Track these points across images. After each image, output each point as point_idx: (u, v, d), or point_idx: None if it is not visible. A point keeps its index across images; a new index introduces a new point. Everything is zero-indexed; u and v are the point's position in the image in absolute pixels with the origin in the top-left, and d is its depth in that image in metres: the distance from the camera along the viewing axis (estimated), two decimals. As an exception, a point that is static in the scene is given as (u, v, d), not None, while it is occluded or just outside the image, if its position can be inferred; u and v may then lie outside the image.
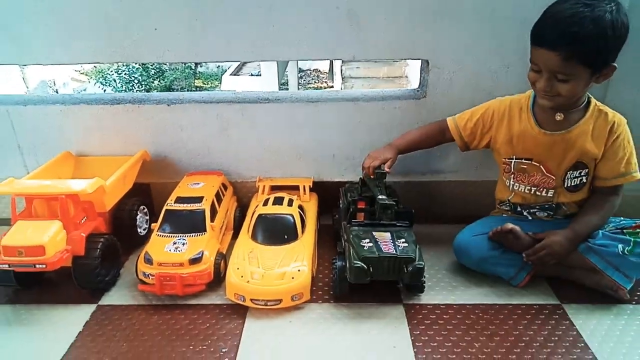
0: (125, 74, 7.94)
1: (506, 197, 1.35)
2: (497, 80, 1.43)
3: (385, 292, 1.26)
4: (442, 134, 1.38)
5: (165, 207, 1.36)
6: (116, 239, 1.33)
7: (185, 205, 1.36)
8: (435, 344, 1.11)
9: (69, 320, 1.19)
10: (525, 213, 1.33)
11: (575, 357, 1.06)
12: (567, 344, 1.09)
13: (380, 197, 1.23)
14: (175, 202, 1.38)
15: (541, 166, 1.24)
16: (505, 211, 1.38)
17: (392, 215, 1.22)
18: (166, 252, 1.25)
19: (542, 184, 1.26)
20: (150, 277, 1.23)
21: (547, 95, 1.13)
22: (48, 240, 1.15)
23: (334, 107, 1.51)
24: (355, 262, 1.13)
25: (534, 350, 1.08)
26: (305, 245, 1.31)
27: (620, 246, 1.17)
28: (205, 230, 1.31)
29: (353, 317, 1.19)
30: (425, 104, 1.48)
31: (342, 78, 6.62)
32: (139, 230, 1.47)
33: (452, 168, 1.57)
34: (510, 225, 1.22)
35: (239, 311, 1.21)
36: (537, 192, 1.28)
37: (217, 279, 1.28)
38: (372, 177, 1.29)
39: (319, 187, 1.60)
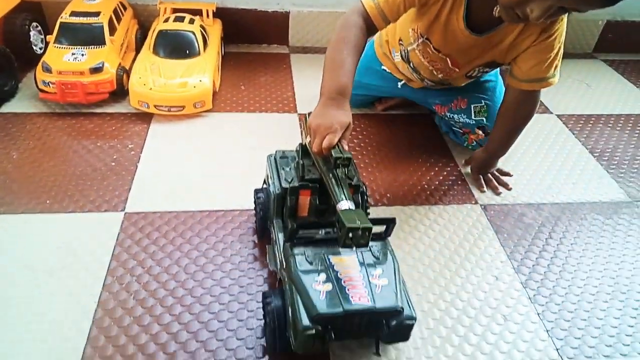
0: None
1: (407, 46, 1.13)
2: None
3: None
4: (365, 37, 0.95)
5: (59, 20, 1.33)
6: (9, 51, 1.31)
7: (81, 18, 1.34)
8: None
9: (-31, 126, 1.21)
10: (415, 75, 1.20)
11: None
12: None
13: (342, 206, 0.71)
14: (70, 16, 1.34)
15: (448, 59, 1.07)
16: (397, 63, 1.23)
17: (366, 241, 0.68)
18: (65, 61, 1.26)
19: (442, 70, 1.11)
20: (50, 85, 1.25)
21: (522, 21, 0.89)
22: None
23: None
24: (306, 325, 0.67)
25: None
26: (207, 61, 1.37)
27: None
28: (104, 44, 1.32)
29: (256, 120, 1.32)
30: None
31: None
32: (34, 48, 1.44)
33: None
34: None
35: (143, 118, 1.29)
36: (434, 72, 1.13)
37: (121, 92, 1.33)
38: (327, 161, 0.79)
39: (223, 14, 1.62)
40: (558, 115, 1.49)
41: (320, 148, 0.77)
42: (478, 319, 0.88)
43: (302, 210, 0.83)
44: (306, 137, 0.84)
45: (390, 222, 0.75)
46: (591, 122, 1.48)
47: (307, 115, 0.85)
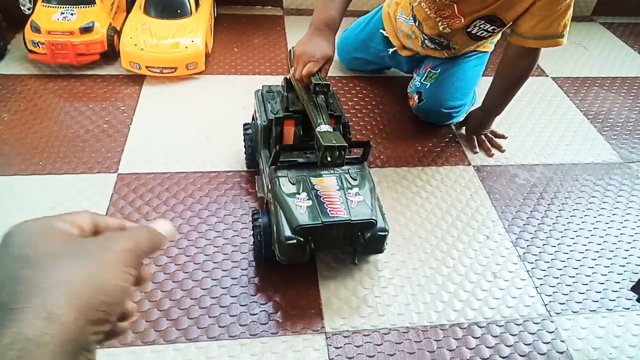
0: None
1: (413, 1, 1.11)
2: None
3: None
4: None
5: (46, -21, 1.30)
6: (-4, 11, 1.28)
7: (69, -24, 1.30)
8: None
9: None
10: (419, 32, 1.15)
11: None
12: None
13: (321, 129, 0.74)
14: (57, -26, 1.31)
15: (455, 5, 1.02)
16: (398, 23, 1.21)
17: (342, 160, 0.73)
18: (54, 20, 1.23)
19: (448, 20, 1.06)
20: (40, 45, 1.23)
21: None
22: None
23: None
24: (288, 235, 0.73)
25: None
26: (199, 21, 1.34)
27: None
28: (94, 3, 1.29)
29: (250, 83, 1.31)
30: None
31: None
32: (22, 8, 1.40)
33: None
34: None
35: (135, 79, 1.28)
36: (439, 24, 1.08)
37: (112, 53, 1.31)
38: (308, 89, 0.83)
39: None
40: (553, 78, 1.48)
41: (301, 76, 0.82)
42: (468, 276, 0.89)
43: (287, 140, 0.88)
44: (291, 69, 0.87)
45: (366, 145, 0.82)
46: (587, 84, 1.47)
47: (292, 49, 0.88)
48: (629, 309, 0.87)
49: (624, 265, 0.94)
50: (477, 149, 1.17)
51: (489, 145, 1.18)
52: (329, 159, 0.72)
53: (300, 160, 0.82)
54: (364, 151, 0.82)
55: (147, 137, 1.11)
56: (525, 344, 0.80)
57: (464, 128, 1.22)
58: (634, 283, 0.87)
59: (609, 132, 1.28)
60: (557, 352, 0.80)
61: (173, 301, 0.81)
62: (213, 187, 1.01)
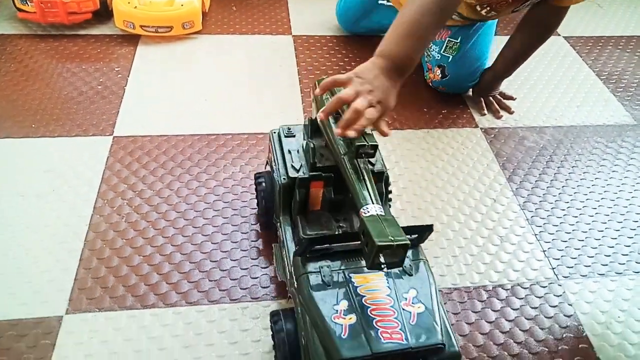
0: None
1: None
2: None
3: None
4: None
5: None
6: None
7: None
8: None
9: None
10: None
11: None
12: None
13: (368, 212, 0.55)
14: None
15: None
16: None
17: (402, 261, 0.53)
18: (43, -23, 1.18)
19: (494, 5, 0.98)
20: (29, 3, 1.17)
21: None
22: None
23: None
24: None
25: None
26: (195, -21, 1.28)
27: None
28: (84, -42, 1.23)
29: (249, 43, 1.26)
30: None
31: None
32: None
33: None
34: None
35: (130, 40, 1.23)
36: (482, 10, 0.99)
37: (105, 11, 1.25)
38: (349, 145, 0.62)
39: None
40: (565, 37, 1.41)
41: (347, 125, 0.58)
42: (474, 239, 0.87)
43: (314, 203, 0.68)
44: (317, 111, 0.67)
45: (426, 230, 0.59)
46: (600, 44, 1.41)
47: (317, 83, 0.66)
48: (639, 272, 0.85)
49: (634, 229, 0.92)
50: (485, 111, 1.13)
51: (498, 107, 1.13)
52: (382, 260, 0.52)
53: (336, 246, 0.60)
54: (420, 235, 0.60)
55: (143, 99, 1.07)
56: (532, 307, 0.79)
57: (471, 90, 1.17)
58: (646, 246, 0.85)
59: (622, 93, 1.23)
60: (564, 315, 0.79)
61: (172, 264, 0.79)
62: (212, 150, 0.97)
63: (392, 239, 0.50)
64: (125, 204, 0.87)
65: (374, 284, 0.58)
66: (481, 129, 1.09)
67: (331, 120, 0.64)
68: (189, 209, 0.87)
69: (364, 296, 0.57)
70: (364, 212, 0.55)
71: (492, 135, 1.08)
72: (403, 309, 0.56)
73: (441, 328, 0.55)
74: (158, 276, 0.77)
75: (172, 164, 0.94)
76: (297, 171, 0.68)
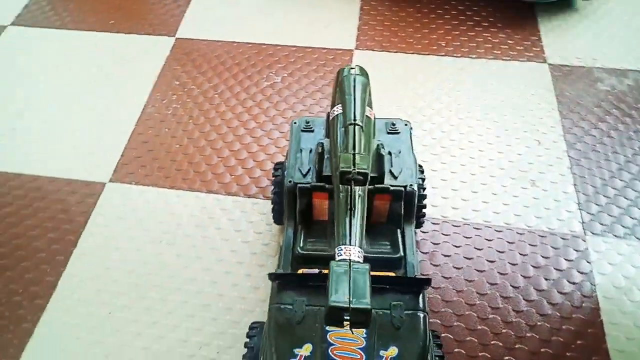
0: None
1: None
2: None
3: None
4: None
5: None
6: None
7: None
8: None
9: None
10: None
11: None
12: None
13: (338, 258, 0.48)
14: None
15: None
16: None
17: (365, 323, 0.44)
18: None
19: None
20: None
21: None
22: None
23: None
24: None
25: None
26: None
27: None
28: None
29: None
30: None
31: None
32: None
33: None
34: None
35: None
36: None
37: None
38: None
39: None
40: None
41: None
42: (502, 179, 0.83)
43: (319, 214, 0.61)
44: (333, 105, 0.62)
45: (422, 284, 0.52)
46: None
47: (341, 71, 0.62)
48: (686, 244, 0.75)
49: (701, 197, 0.79)
50: None
51: None
52: (336, 321, 0.44)
53: (315, 275, 0.54)
54: (418, 286, 0.53)
55: (212, 3, 1.14)
56: (543, 257, 0.75)
57: None
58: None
59: None
60: (577, 271, 0.73)
61: (202, 156, 0.87)
62: (266, 65, 1.01)
63: (349, 300, 0.42)
64: (175, 99, 0.96)
65: (350, 333, 0.50)
66: (549, 64, 0.99)
67: (338, 123, 0.57)
68: (233, 117, 0.93)
69: (333, 344, 0.50)
70: (337, 254, 0.48)
71: (560, 73, 0.97)
72: None
73: None
74: (188, 164, 0.86)
75: (227, 74, 1.00)
76: (304, 175, 0.61)
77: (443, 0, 1.12)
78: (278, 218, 0.72)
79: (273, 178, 0.70)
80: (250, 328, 0.59)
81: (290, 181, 0.61)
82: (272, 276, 0.54)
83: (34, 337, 0.69)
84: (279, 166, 0.70)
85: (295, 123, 0.69)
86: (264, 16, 1.10)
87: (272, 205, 0.71)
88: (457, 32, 1.06)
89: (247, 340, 0.57)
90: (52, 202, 0.82)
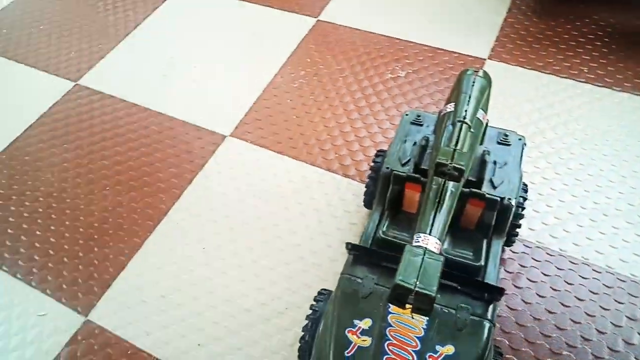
0: None
1: None
2: None
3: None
4: None
5: None
6: None
7: None
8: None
9: None
10: None
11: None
12: None
13: (415, 243, 0.50)
14: None
15: None
16: None
17: (428, 308, 0.45)
18: None
19: None
20: None
21: None
22: None
23: None
24: None
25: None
26: None
27: None
28: None
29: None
30: None
31: None
32: None
33: None
34: None
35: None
36: None
37: None
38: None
39: None
40: None
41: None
42: (626, 216, 0.77)
43: (409, 206, 0.62)
44: (447, 102, 0.64)
45: (494, 292, 0.51)
46: None
47: (464, 71, 0.64)
48: None
49: None
50: None
51: None
52: (399, 301, 0.45)
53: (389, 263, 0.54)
54: (490, 293, 0.52)
55: (358, -5, 1.19)
56: (617, 301, 0.68)
57: None
58: None
59: None
60: (681, 337, 0.66)
61: (318, 130, 0.92)
62: (409, 62, 1.03)
63: (416, 282, 0.43)
64: (303, 75, 1.03)
65: (410, 321, 0.51)
66: None
67: (447, 120, 0.60)
68: (350, 102, 0.97)
69: (392, 326, 0.50)
70: (414, 241, 0.50)
71: None
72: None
73: None
74: (299, 135, 0.92)
75: (355, 60, 1.05)
76: (403, 165, 0.62)
77: (599, 26, 1.05)
78: (369, 202, 0.75)
79: (372, 164, 0.72)
80: (319, 293, 0.62)
81: (387, 167, 0.62)
82: (350, 245, 0.57)
83: (140, 251, 0.79)
84: (380, 154, 0.72)
85: (407, 115, 0.70)
86: (406, 13, 1.13)
87: (365, 189, 0.74)
88: (604, 61, 0.99)
89: (314, 303, 0.61)
90: (180, 142, 0.93)
